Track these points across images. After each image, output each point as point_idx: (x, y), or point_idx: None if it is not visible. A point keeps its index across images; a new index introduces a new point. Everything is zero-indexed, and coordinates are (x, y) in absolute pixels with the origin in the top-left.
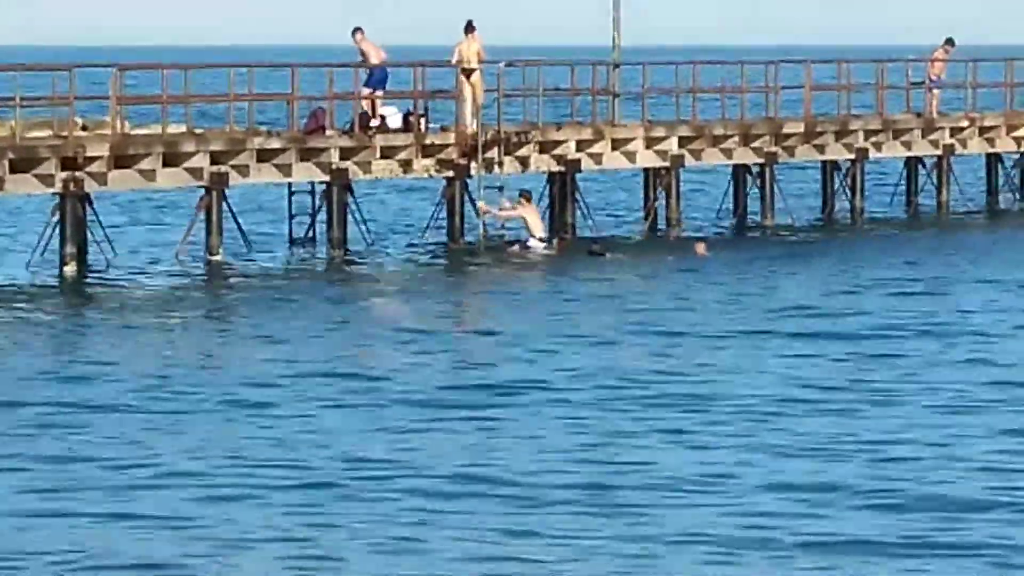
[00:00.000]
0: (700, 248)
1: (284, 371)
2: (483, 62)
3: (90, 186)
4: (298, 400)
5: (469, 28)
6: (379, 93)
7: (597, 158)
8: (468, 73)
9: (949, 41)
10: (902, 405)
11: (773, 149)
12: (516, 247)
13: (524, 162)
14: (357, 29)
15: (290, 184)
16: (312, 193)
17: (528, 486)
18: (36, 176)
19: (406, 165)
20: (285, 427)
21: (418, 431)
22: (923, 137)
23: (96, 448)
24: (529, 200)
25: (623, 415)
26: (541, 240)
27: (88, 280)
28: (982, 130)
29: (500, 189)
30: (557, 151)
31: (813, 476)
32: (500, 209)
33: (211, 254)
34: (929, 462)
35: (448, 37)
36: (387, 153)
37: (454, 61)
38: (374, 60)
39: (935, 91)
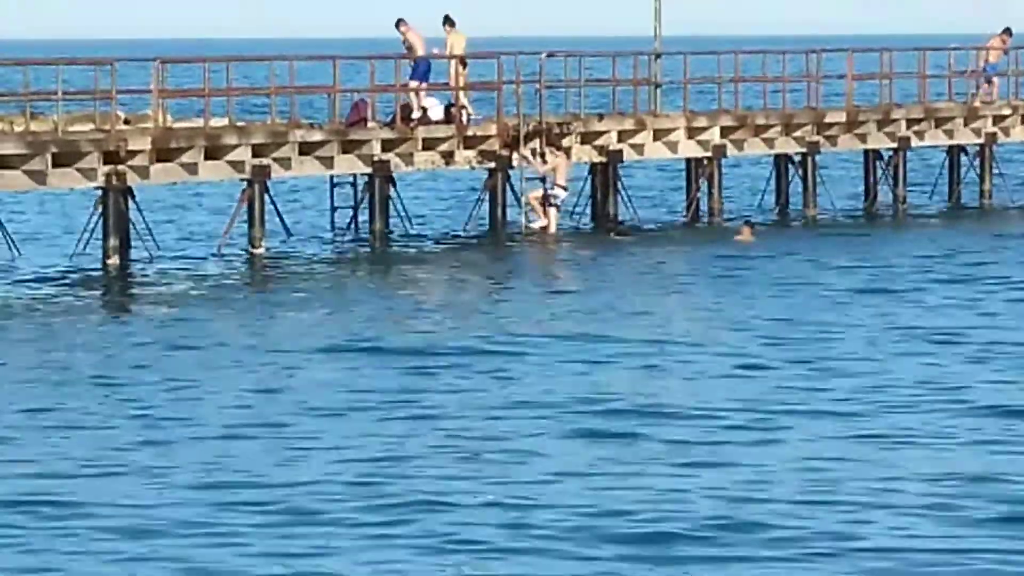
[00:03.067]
0: (745, 231)
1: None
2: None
3: (132, 180)
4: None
5: (450, 21)
6: (424, 85)
7: (639, 148)
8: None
9: (1007, 31)
10: None
11: (815, 138)
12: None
13: (567, 153)
14: (401, 20)
15: (332, 176)
16: (354, 185)
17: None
18: (78, 170)
19: (448, 157)
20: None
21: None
22: (966, 125)
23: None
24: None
25: None
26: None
27: (130, 272)
28: None
29: (542, 180)
30: (599, 142)
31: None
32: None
33: (253, 247)
34: None
35: (484, 28)
36: (429, 145)
37: (447, 53)
38: (420, 51)
39: (994, 79)
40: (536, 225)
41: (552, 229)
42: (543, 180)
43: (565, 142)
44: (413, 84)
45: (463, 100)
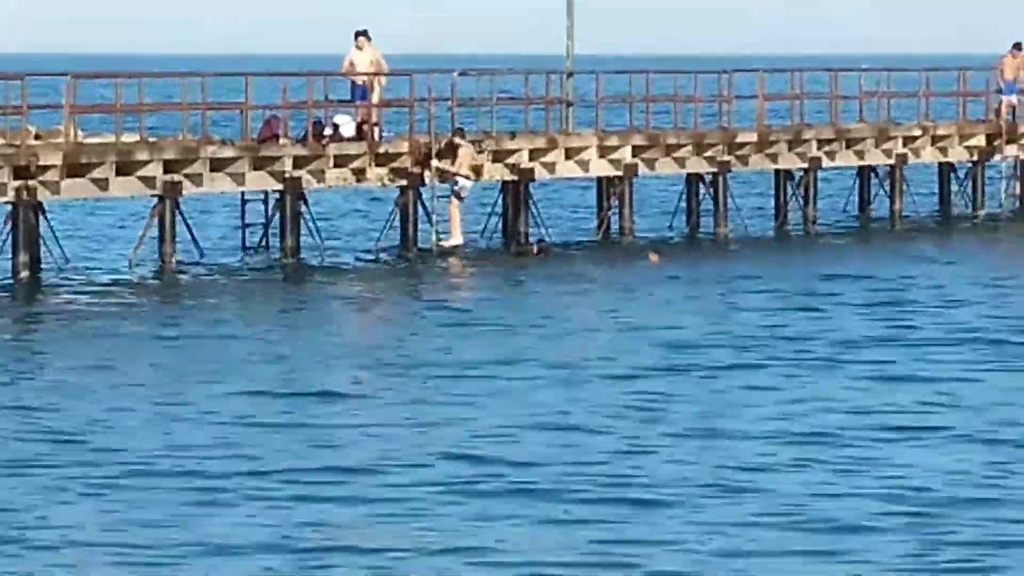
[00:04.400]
0: (654, 257)
1: (230, 384)
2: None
3: (43, 195)
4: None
5: (361, 35)
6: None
7: (551, 167)
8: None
9: (1017, 46)
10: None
11: (726, 158)
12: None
13: (478, 171)
14: (363, 33)
15: (243, 193)
16: (266, 202)
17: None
18: None
19: (359, 174)
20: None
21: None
22: (876, 146)
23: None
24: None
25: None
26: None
27: (39, 288)
28: (935, 139)
29: (460, 198)
30: (511, 160)
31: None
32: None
33: (164, 262)
34: None
35: (397, 46)
36: (340, 162)
37: (345, 69)
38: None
39: (1015, 97)
40: (448, 243)
41: (456, 223)
42: (457, 196)
43: (479, 157)
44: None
45: (373, 117)
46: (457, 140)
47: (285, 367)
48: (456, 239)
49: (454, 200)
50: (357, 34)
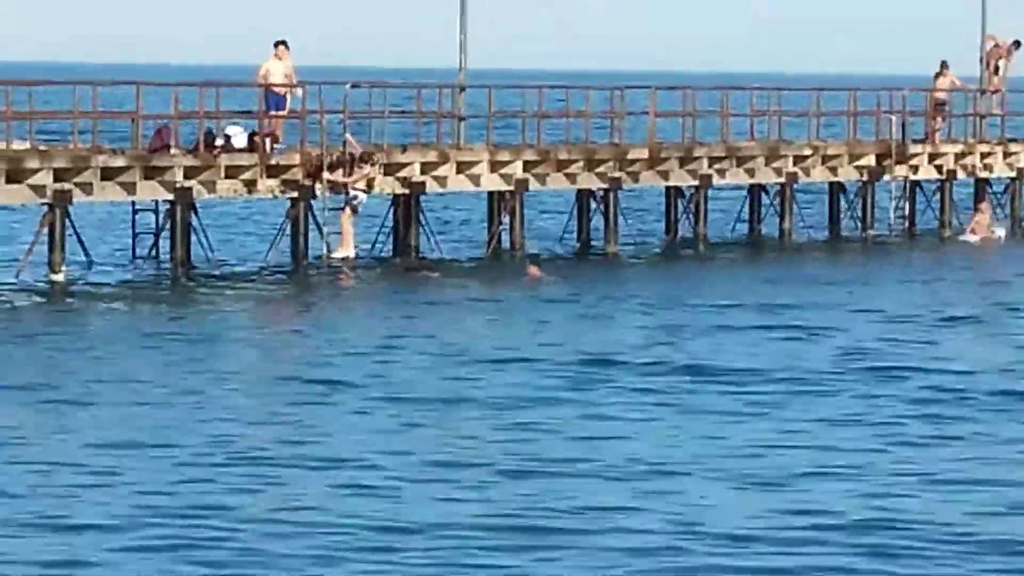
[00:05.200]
0: (533, 271)
1: (115, 391)
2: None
3: None
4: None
5: (280, 45)
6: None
7: (442, 181)
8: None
9: (943, 65)
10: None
11: (617, 174)
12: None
13: (369, 184)
14: (282, 43)
15: (134, 202)
16: (156, 211)
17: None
18: None
19: (251, 185)
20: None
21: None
22: (767, 165)
23: None
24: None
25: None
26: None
27: None
28: (825, 158)
29: (355, 211)
30: (402, 173)
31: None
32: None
33: (53, 272)
34: None
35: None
36: (232, 173)
37: (260, 79)
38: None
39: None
40: (338, 255)
41: (348, 236)
42: (353, 209)
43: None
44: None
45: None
46: (361, 164)
47: (156, 378)
48: (347, 251)
49: (348, 212)
50: (276, 44)
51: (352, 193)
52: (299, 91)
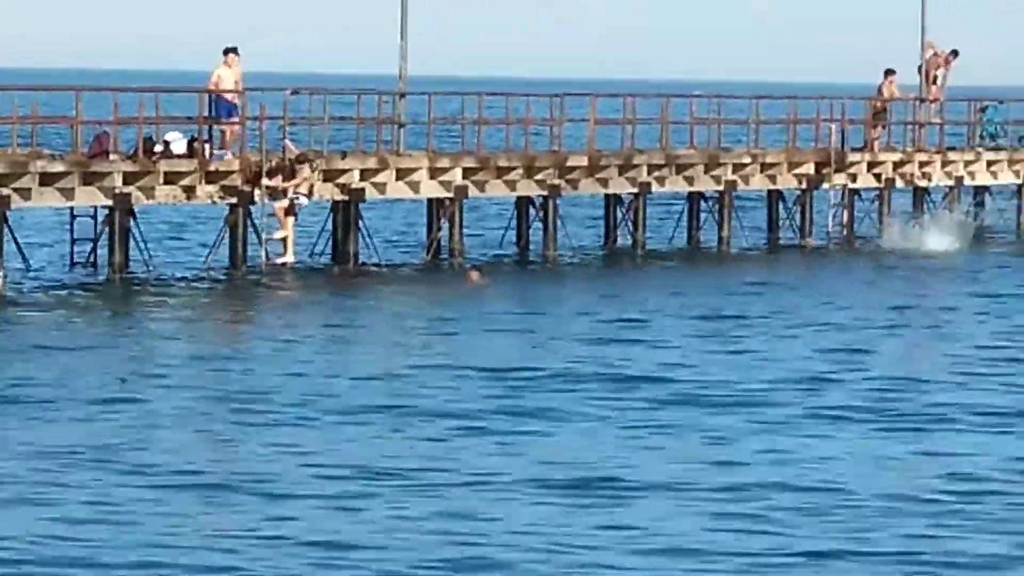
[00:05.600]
0: (474, 276)
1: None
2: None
3: None
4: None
5: (231, 52)
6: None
7: (381, 187)
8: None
9: (890, 71)
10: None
11: (557, 182)
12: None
13: (310, 190)
14: (232, 50)
15: (72, 208)
16: (95, 217)
17: None
18: None
19: (190, 191)
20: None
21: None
22: (706, 172)
23: None
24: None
25: None
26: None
27: None
28: (764, 166)
29: (295, 214)
30: (341, 180)
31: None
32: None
33: None
34: None
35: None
36: (171, 179)
37: (210, 86)
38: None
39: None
40: (281, 260)
41: (290, 242)
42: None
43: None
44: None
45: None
46: (299, 165)
47: (92, 382)
48: (288, 256)
49: (289, 218)
50: (226, 51)
51: (294, 195)
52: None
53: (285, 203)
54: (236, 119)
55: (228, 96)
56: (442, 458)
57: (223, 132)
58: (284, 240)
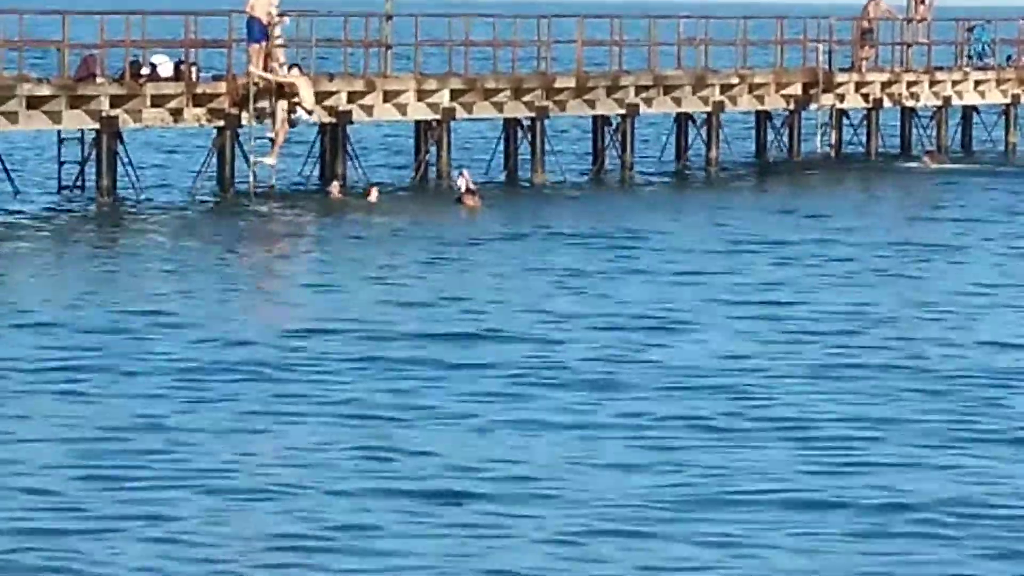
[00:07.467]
0: (469, 200)
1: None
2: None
3: None
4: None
5: None
6: (261, 46)
7: (368, 110)
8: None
9: None
10: None
11: (544, 103)
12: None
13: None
14: None
15: (60, 131)
16: (82, 140)
17: None
18: None
19: (177, 114)
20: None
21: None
22: (694, 93)
23: None
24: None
25: None
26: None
27: None
28: (752, 87)
29: (271, 141)
30: (329, 102)
31: None
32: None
33: None
34: None
35: None
36: (158, 102)
37: (247, 9)
38: (255, 13)
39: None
40: (265, 160)
41: (277, 147)
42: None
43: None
44: (254, 47)
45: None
46: (295, 73)
47: (72, 310)
48: (272, 159)
49: (286, 124)
50: None
51: (299, 112)
52: (287, 19)
53: (282, 136)
54: (265, 43)
55: (261, 18)
56: None
57: (257, 55)
58: (272, 140)
